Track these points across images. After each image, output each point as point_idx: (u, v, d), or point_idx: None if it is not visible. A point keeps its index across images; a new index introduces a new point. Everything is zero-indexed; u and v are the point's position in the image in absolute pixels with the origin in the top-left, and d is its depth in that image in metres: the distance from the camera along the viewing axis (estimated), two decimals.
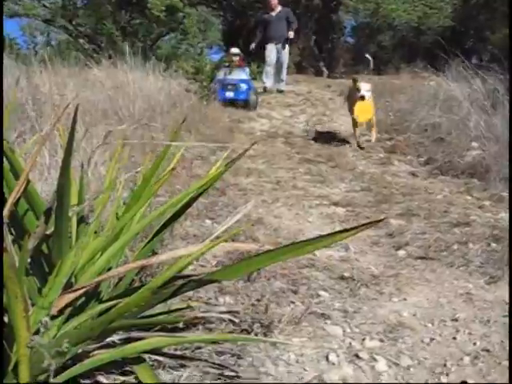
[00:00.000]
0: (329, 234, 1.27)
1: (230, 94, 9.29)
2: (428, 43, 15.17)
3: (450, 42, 8.60)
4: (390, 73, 12.52)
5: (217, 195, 3.75)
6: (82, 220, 1.61)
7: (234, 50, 10.13)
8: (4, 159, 1.48)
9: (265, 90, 10.30)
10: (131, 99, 6.05)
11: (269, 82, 10.33)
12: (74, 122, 1.20)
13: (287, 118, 8.51)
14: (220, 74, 9.47)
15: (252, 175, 4.71)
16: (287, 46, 10.09)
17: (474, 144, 5.23)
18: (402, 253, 2.90)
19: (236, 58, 9.89)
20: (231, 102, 9.16)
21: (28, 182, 1.42)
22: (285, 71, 10.38)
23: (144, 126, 4.87)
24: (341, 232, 1.27)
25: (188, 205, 1.66)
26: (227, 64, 9.81)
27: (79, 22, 16.85)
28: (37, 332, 1.19)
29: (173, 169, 1.66)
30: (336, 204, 3.91)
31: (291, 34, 9.95)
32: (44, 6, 16.13)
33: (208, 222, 3.21)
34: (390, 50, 17.46)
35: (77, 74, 6.93)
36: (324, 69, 14.14)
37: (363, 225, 1.26)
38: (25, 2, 14.91)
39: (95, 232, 1.56)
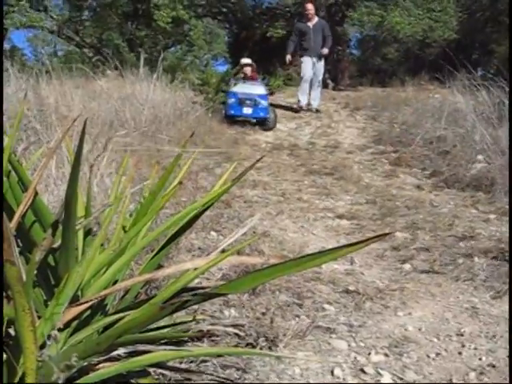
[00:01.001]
0: (334, 248, 1.27)
1: (247, 111, 8.51)
2: (433, 56, 15.23)
3: (456, 55, 8.63)
4: (395, 85, 12.53)
5: (222, 207, 3.76)
6: (88, 233, 1.61)
7: (246, 60, 9.51)
8: (12, 171, 1.49)
9: (300, 108, 9.62)
10: (137, 110, 6.09)
11: (304, 99, 9.68)
12: (83, 135, 1.21)
13: (292, 130, 8.53)
14: (234, 87, 8.73)
15: (257, 187, 4.71)
16: (323, 60, 9.55)
17: (480, 157, 5.24)
18: (407, 266, 2.90)
19: (248, 69, 9.30)
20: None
21: (36, 194, 1.43)
22: (319, 88, 9.72)
23: (150, 137, 4.89)
24: (346, 246, 1.26)
25: (194, 219, 1.66)
26: (242, 75, 9.23)
27: (85, 34, 17.00)
28: (43, 345, 1.20)
29: (180, 183, 1.67)
30: (341, 217, 3.91)
31: (325, 51, 9.39)
32: (51, 17, 16.28)
33: (213, 234, 3.21)
34: (396, 63, 17.53)
35: (83, 85, 6.98)
36: (329, 81, 14.14)
37: (369, 239, 1.26)
38: (31, 13, 15.03)
39: (101, 245, 1.56)
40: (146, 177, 2.95)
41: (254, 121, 8.56)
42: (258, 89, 8.79)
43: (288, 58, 9.48)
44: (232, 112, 8.50)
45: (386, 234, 1.43)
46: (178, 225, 1.65)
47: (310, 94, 9.73)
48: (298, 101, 9.71)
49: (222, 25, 19.16)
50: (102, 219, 1.69)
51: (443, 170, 5.32)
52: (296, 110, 9.68)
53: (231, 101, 8.51)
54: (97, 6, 16.27)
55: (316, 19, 9.58)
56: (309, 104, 9.67)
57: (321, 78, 9.70)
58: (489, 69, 15.07)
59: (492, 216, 3.86)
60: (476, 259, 2.93)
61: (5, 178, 1.45)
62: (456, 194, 4.66)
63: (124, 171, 1.97)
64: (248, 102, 8.48)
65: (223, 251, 1.46)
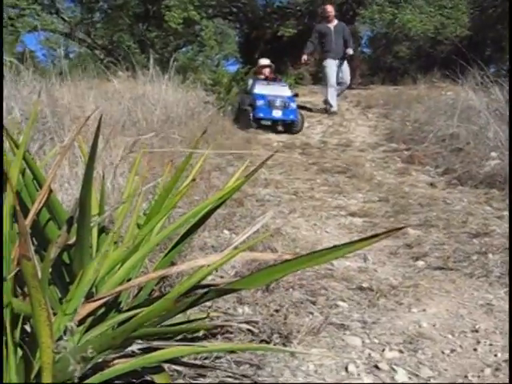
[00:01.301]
0: (347, 243, 1.27)
1: (277, 114, 8.13)
2: (445, 53, 15.14)
3: (468, 52, 8.57)
4: (406, 83, 12.48)
5: (235, 206, 3.76)
6: (102, 230, 1.62)
7: (265, 61, 9.16)
8: (26, 169, 1.51)
9: (334, 113, 9.32)
10: (149, 111, 6.11)
11: (335, 104, 9.43)
12: (97, 134, 1.22)
13: (304, 128, 8.51)
14: (258, 88, 8.40)
15: (269, 186, 4.72)
16: (346, 62, 9.35)
17: (493, 154, 5.20)
18: (420, 263, 2.89)
19: (267, 70, 9.04)
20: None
21: (50, 191, 1.44)
22: (344, 88, 9.58)
23: (162, 137, 4.91)
24: (359, 241, 1.26)
25: (207, 216, 1.66)
26: (263, 77, 8.90)
27: (97, 35, 17.10)
28: (58, 340, 1.21)
29: (193, 180, 1.67)
30: (353, 215, 3.90)
31: (350, 51, 9.21)
32: (63, 19, 16.40)
33: (226, 232, 3.22)
34: (407, 61, 17.44)
35: (95, 86, 7.01)
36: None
37: (382, 233, 1.25)
38: (43, 16, 15.13)
39: (115, 242, 1.57)
40: (159, 175, 2.96)
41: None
42: (285, 90, 8.54)
43: (304, 57, 9.37)
44: (261, 115, 8.13)
45: (399, 229, 1.42)
46: (190, 222, 1.66)
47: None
48: (331, 106, 9.42)
49: (232, 25, 19.19)
50: (115, 217, 1.70)
51: (456, 167, 5.28)
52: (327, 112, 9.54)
53: (260, 103, 8.13)
54: (108, 8, 16.36)
55: (336, 21, 9.48)
56: (326, 102, 9.54)
57: (349, 82, 9.56)
58: (501, 66, 14.95)
59: (506, 213, 3.83)
60: (490, 256, 2.91)
61: (19, 176, 1.46)
62: (469, 191, 4.63)
63: (137, 170, 1.98)
64: (277, 104, 8.14)
65: (236, 249, 1.46)
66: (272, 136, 7.94)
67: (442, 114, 7.28)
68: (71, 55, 23.03)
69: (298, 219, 3.73)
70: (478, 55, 7.87)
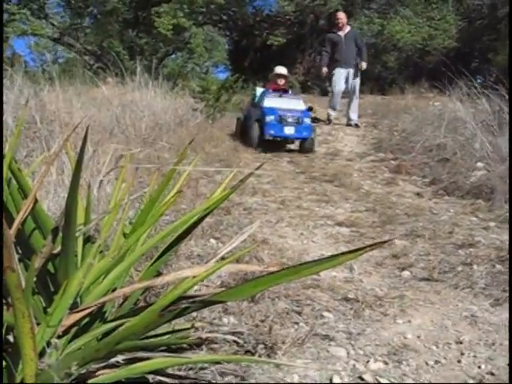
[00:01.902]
0: (333, 256, 1.27)
1: (289, 131, 7.27)
2: (433, 64, 15.27)
3: (455, 63, 8.65)
4: (394, 93, 12.58)
5: (222, 214, 3.76)
6: (88, 240, 1.62)
7: (281, 70, 8.35)
8: (12, 178, 1.50)
9: (329, 122, 9.35)
10: (138, 118, 6.10)
11: (335, 113, 9.41)
12: (84, 143, 1.22)
13: None
14: (268, 101, 7.59)
15: (257, 194, 4.72)
16: (359, 73, 9.14)
17: (480, 164, 5.25)
18: (406, 274, 2.90)
19: (282, 81, 8.26)
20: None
21: (36, 201, 1.44)
22: (356, 102, 9.26)
23: (150, 144, 4.90)
24: (345, 253, 1.27)
25: (193, 226, 1.66)
26: (274, 87, 8.11)
27: (86, 41, 17.06)
28: (42, 351, 1.20)
29: (179, 191, 1.67)
30: (340, 224, 3.91)
31: (364, 65, 9.01)
32: (52, 24, 16.35)
33: (213, 241, 3.21)
34: (395, 71, 17.56)
35: (84, 92, 6.99)
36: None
37: (367, 246, 1.26)
38: (33, 21, 15.09)
39: (101, 252, 1.57)
40: (146, 184, 2.95)
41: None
42: (298, 103, 7.76)
43: (324, 70, 9.16)
44: (272, 132, 7.31)
45: (384, 242, 1.43)
46: (177, 232, 1.65)
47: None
48: (328, 115, 9.42)
49: (222, 32, 19.26)
50: (101, 226, 1.70)
51: (443, 177, 5.32)
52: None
53: (270, 118, 7.28)
54: (98, 14, 16.34)
55: (348, 28, 9.25)
56: (349, 119, 9.36)
57: (358, 91, 9.26)
58: (488, 77, 15.11)
59: (492, 224, 3.87)
60: (475, 267, 2.93)
61: (5, 185, 1.46)
62: (456, 201, 4.67)
63: (123, 178, 1.97)
64: (290, 120, 7.31)
65: (222, 258, 1.46)
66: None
67: (430, 124, 7.34)
68: (60, 60, 22.97)
69: (285, 228, 3.73)
70: (465, 66, 7.94)
